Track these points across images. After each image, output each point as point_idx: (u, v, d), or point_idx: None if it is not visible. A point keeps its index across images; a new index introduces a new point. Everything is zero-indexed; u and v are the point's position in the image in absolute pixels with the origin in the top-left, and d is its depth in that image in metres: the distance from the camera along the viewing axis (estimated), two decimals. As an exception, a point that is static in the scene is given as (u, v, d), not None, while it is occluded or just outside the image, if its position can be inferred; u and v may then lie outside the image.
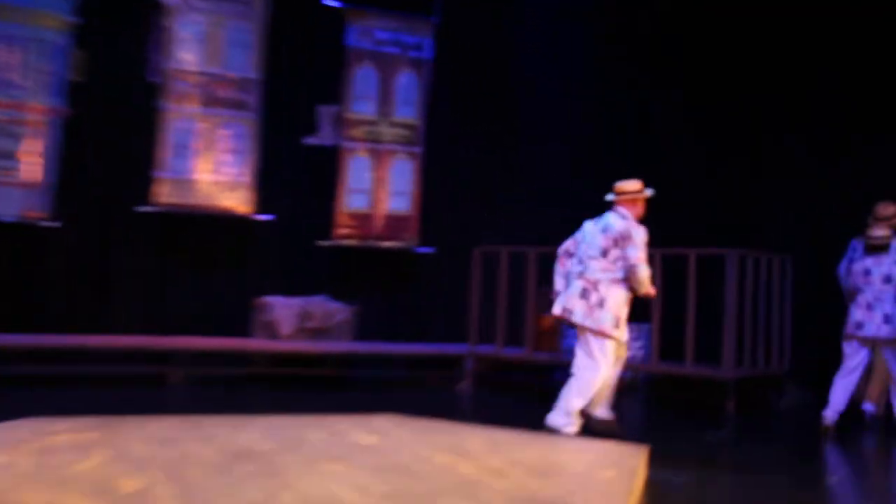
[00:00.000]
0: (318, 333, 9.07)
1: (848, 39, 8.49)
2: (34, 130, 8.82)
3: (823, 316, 7.53)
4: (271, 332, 9.04)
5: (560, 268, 5.84)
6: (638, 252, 5.46)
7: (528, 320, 8.32)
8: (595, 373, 5.44)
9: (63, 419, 4.75)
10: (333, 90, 9.92)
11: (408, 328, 9.77)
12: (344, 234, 9.82)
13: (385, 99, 10.11)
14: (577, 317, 5.48)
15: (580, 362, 5.51)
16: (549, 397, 5.73)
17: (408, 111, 10.16)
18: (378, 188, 9.98)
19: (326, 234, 9.78)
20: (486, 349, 8.54)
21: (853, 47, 8.48)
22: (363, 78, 10.05)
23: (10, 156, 8.70)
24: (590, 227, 5.75)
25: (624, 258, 5.47)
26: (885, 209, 6.34)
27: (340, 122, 9.90)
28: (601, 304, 5.45)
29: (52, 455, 3.78)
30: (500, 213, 10.19)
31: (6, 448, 3.91)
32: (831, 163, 8.56)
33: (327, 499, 3.24)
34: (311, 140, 9.83)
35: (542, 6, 10.47)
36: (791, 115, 8.89)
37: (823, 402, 6.39)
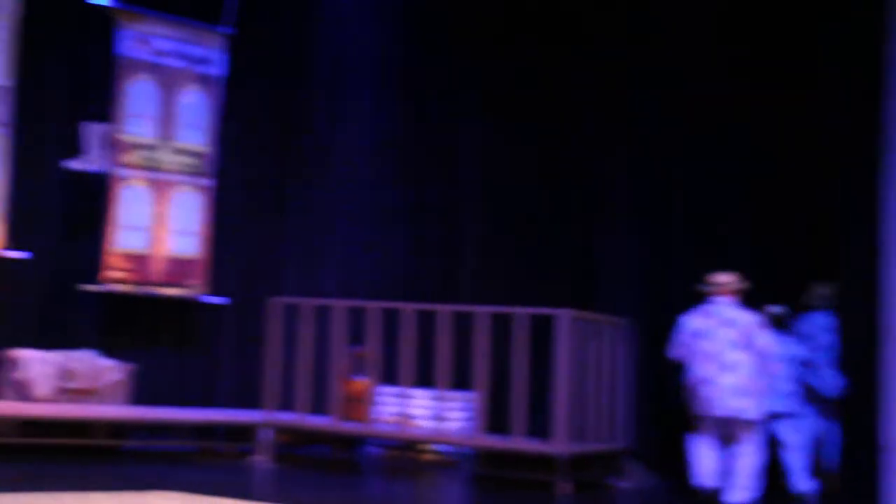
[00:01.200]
0: (84, 395, 8.96)
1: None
2: None
3: (669, 386, 8.05)
4: (22, 392, 8.82)
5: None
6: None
7: (334, 384, 8.62)
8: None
9: None
10: (103, 106, 9.77)
11: (194, 391, 9.79)
12: (116, 277, 9.65)
13: (167, 120, 10.05)
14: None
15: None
16: (357, 472, 6.10)
17: (195, 136, 10.14)
18: (158, 225, 9.86)
19: (94, 277, 9.60)
20: (285, 417, 8.71)
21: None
22: (140, 93, 9.94)
23: None
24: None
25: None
26: (718, 278, 7.27)
27: (111, 145, 9.78)
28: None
29: None
30: (302, 259, 10.49)
31: None
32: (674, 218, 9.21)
33: None
34: (74, 164, 9.65)
35: (345, 15, 10.95)
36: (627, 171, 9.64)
37: (668, 481, 7.11)
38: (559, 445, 7.62)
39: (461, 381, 8.52)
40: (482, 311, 8.12)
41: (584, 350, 8.05)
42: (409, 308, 8.37)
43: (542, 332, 7.91)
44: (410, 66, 10.84)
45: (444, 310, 8.26)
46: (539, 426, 8.00)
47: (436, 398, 8.55)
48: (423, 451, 9.49)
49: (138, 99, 9.96)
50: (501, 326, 8.05)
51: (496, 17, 10.34)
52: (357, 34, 10.97)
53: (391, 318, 8.51)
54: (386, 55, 10.94)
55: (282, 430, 8.78)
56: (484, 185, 10.32)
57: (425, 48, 10.78)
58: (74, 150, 9.70)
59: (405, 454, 9.54)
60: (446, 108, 10.73)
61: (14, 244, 9.22)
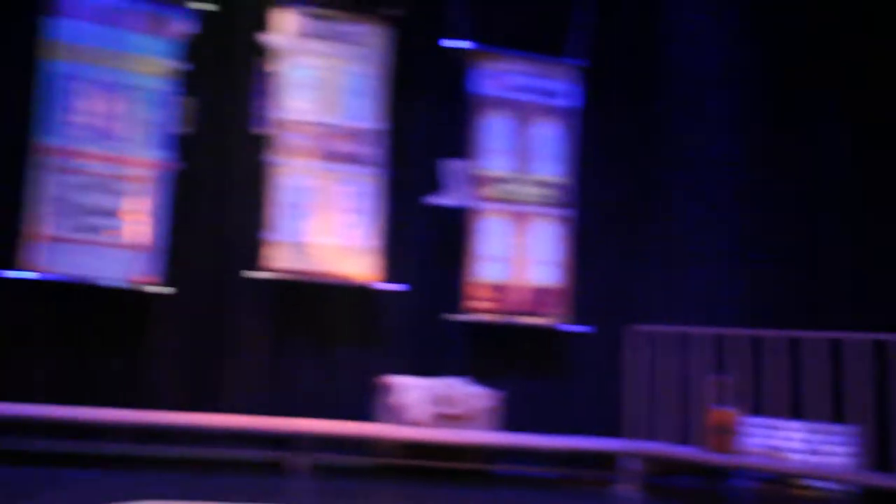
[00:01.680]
0: (457, 421, 9.75)
1: None
2: (138, 187, 9.81)
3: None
4: (398, 416, 9.73)
5: None
6: None
7: (698, 413, 8.98)
8: None
9: (179, 503, 5.38)
10: (463, 143, 10.79)
11: (557, 418, 10.39)
12: (480, 307, 10.62)
13: (522, 153, 10.94)
14: None
15: None
16: None
17: (550, 167, 10.97)
18: (518, 255, 10.77)
19: (459, 306, 10.60)
20: (649, 446, 9.13)
21: None
22: (495, 129, 10.90)
23: (112, 214, 9.68)
24: None
25: None
26: None
27: (471, 180, 10.75)
28: None
29: None
30: (662, 286, 10.97)
31: None
32: None
33: None
34: (437, 200, 10.67)
35: (703, 43, 11.41)
36: None
37: None
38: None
39: (837, 413, 8.60)
40: (856, 339, 8.18)
41: None
42: (774, 335, 8.58)
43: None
44: (767, 72, 11.14)
45: (813, 337, 8.39)
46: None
47: (810, 430, 8.72)
48: (797, 486, 9.57)
49: (494, 134, 10.92)
50: (880, 354, 8.13)
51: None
52: (708, 48, 11.41)
53: (757, 346, 8.77)
54: (740, 65, 11.30)
55: (647, 459, 9.16)
56: (848, 200, 10.38)
57: (781, 53, 11.08)
58: (437, 187, 10.72)
59: (776, 488, 9.64)
60: (806, 114, 10.96)
61: (387, 277, 10.39)
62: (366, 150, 10.51)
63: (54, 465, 8.09)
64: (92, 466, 8.19)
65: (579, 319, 10.85)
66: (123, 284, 9.62)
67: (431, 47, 10.89)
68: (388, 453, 9.53)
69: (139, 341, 9.85)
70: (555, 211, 10.96)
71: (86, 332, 9.68)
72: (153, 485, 7.14)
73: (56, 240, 9.50)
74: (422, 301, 10.63)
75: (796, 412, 8.82)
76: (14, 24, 9.69)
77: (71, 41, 9.71)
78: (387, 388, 9.98)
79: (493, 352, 10.70)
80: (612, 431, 9.82)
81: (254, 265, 10.11)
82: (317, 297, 10.36)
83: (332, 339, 10.40)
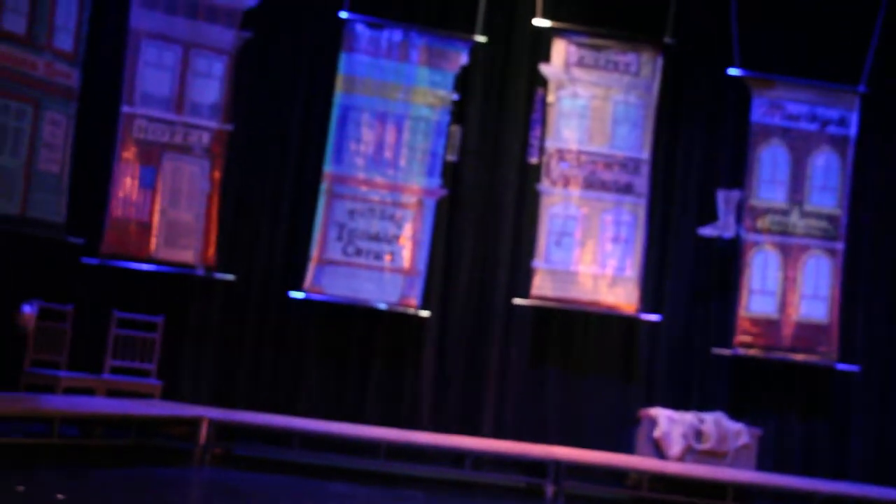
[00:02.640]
0: (712, 457, 9.58)
1: None
2: (409, 213, 10.49)
3: None
4: (657, 450, 9.82)
5: None
6: None
7: None
8: None
9: None
10: (735, 173, 10.76)
11: (822, 461, 10.21)
12: (745, 341, 10.55)
13: (797, 184, 10.77)
14: None
15: None
16: None
17: (826, 199, 10.73)
18: (788, 290, 10.60)
19: (724, 340, 10.55)
20: None
21: None
22: (771, 159, 10.78)
23: (389, 240, 10.40)
24: None
25: None
26: None
27: (743, 211, 10.72)
28: None
29: None
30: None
31: None
32: None
33: None
34: (707, 231, 10.71)
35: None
36: None
37: None
38: None
39: None
40: None
41: None
42: None
43: None
44: None
45: None
46: None
47: None
48: None
49: (769, 164, 10.82)
50: None
51: None
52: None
53: None
54: None
55: None
56: None
57: None
58: (706, 217, 10.73)
59: None
60: None
61: (649, 308, 10.53)
62: (634, 179, 10.68)
63: (316, 477, 8.67)
64: (351, 481, 8.72)
65: (848, 358, 10.56)
66: (394, 307, 10.27)
67: (705, 75, 10.99)
68: (643, 486, 9.59)
69: (403, 362, 10.54)
70: (827, 244, 10.71)
71: (354, 351, 10.48)
72: (408, 502, 7.57)
73: (336, 263, 10.30)
74: (683, 333, 10.73)
75: None
76: (316, 59, 10.67)
77: (360, 75, 10.53)
78: (647, 420, 10.09)
79: (758, 388, 10.62)
80: (885, 478, 9.56)
81: (516, 292, 10.53)
82: (576, 325, 10.70)
83: (589, 367, 10.68)
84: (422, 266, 10.37)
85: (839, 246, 10.69)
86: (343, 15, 10.42)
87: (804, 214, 10.75)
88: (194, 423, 8.61)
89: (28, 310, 8.81)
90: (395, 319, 10.39)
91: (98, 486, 6.92)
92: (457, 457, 9.82)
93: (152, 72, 10.08)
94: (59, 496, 5.99)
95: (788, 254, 10.72)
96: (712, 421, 9.96)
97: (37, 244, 9.21)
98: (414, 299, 10.30)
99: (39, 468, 7.30)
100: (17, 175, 9.03)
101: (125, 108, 9.95)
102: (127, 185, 9.88)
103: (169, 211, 10.04)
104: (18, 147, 9.03)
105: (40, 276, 9.36)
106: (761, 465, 9.92)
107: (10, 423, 8.38)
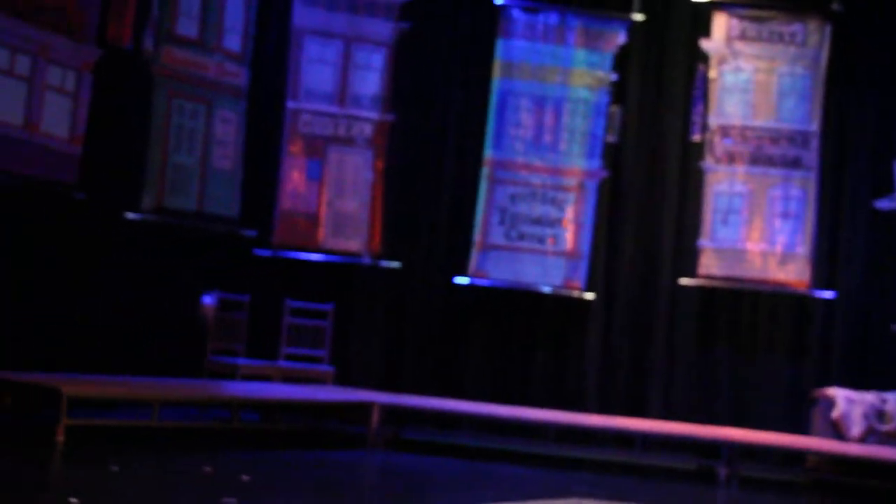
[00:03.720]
0: (893, 438, 9.30)
1: None
2: (571, 196, 10.72)
3: None
4: (836, 431, 9.63)
5: None
6: None
7: None
8: None
9: (605, 503, 5.78)
10: None
11: None
12: (925, 316, 10.46)
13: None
14: None
15: None
16: None
17: None
18: (973, 262, 10.46)
19: None
20: None
21: None
22: (949, 125, 10.61)
23: (551, 223, 10.66)
24: None
25: None
26: None
27: (919, 180, 10.57)
28: None
29: None
30: None
31: None
32: None
33: None
34: (883, 203, 10.59)
35: None
36: None
37: None
38: None
39: None
40: None
41: None
42: None
43: None
44: None
45: None
46: None
47: None
48: None
49: (949, 130, 10.59)
50: None
51: None
52: None
53: None
54: None
55: None
56: None
57: None
58: (882, 189, 10.59)
59: None
60: None
61: (822, 284, 10.50)
62: (802, 153, 10.65)
63: (484, 460, 8.70)
64: (520, 464, 8.92)
65: None
66: (558, 290, 10.55)
67: (877, 41, 10.78)
68: (820, 469, 9.55)
69: (568, 344, 10.81)
70: None
71: (518, 335, 10.79)
72: (577, 484, 7.60)
73: (500, 248, 10.61)
74: (860, 310, 10.61)
75: None
76: (472, 46, 10.98)
77: (517, 59, 10.83)
78: (824, 400, 9.98)
79: None
80: None
81: (682, 272, 10.67)
82: (745, 304, 10.74)
83: (760, 347, 10.71)
84: (585, 248, 10.60)
85: None
86: (498, 1, 10.72)
87: None
88: (365, 407, 8.95)
89: (208, 301, 9.33)
90: (559, 302, 10.65)
91: (278, 469, 7.23)
92: (625, 439, 10.09)
93: (315, 67, 10.55)
94: (244, 477, 6.35)
95: None
96: (894, 401, 9.77)
97: (213, 238, 9.78)
98: (578, 282, 10.55)
99: (223, 451, 7.73)
100: (194, 173, 9.60)
101: (290, 104, 10.45)
102: (295, 178, 10.35)
103: (335, 202, 10.49)
104: (193, 146, 9.61)
105: (217, 268, 9.87)
106: None
107: (195, 409, 8.98)
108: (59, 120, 8.23)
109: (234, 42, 9.91)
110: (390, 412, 9.13)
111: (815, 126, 10.61)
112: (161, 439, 7.93)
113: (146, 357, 8.77)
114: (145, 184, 9.20)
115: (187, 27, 9.50)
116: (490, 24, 10.71)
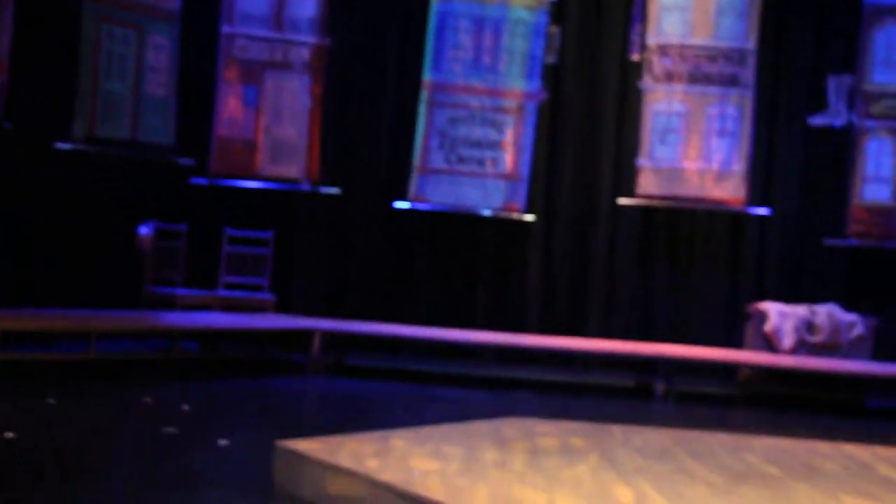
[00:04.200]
0: (825, 349, 9.60)
1: None
2: (510, 118, 10.84)
3: None
4: (768, 344, 9.92)
5: None
6: None
7: None
8: None
9: (548, 422, 5.75)
10: (846, 58, 10.78)
11: None
12: (859, 231, 10.65)
13: (915, 65, 10.75)
14: None
15: None
16: None
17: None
18: (903, 176, 10.72)
19: (836, 231, 10.68)
20: None
21: None
22: (885, 40, 10.65)
23: (490, 145, 10.78)
24: None
25: None
26: None
27: (855, 96, 10.77)
28: None
29: (543, 457, 4.50)
30: None
31: (498, 445, 4.71)
32: None
33: None
34: (817, 119, 10.82)
35: None
36: None
37: None
38: None
39: None
40: None
41: None
42: None
43: None
44: None
45: None
46: None
47: None
48: None
49: (884, 46, 10.71)
50: None
51: None
52: None
53: None
54: None
55: None
56: None
57: None
58: (816, 105, 10.84)
59: None
60: None
61: (757, 201, 10.76)
62: (739, 70, 10.81)
63: (427, 384, 8.82)
64: (462, 386, 8.85)
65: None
66: (498, 213, 10.72)
67: None
68: (753, 381, 9.81)
69: (509, 267, 11.02)
70: (946, 128, 10.73)
71: (460, 258, 10.96)
72: (519, 404, 7.82)
73: (439, 171, 10.73)
74: (794, 225, 10.90)
75: None
76: None
77: None
78: (757, 315, 10.21)
79: (870, 278, 10.70)
80: None
81: (621, 192, 10.89)
82: (683, 222, 10.99)
83: (697, 265, 10.98)
84: (525, 171, 10.74)
85: (961, 129, 10.67)
86: (436, -81, 10.66)
87: None
88: (307, 334, 9.04)
89: (144, 231, 9.38)
90: (500, 225, 10.83)
91: (218, 398, 7.40)
92: (566, 358, 10.37)
93: None
94: (185, 407, 6.49)
95: None
96: (825, 313, 10.01)
97: (148, 167, 9.78)
98: (518, 204, 10.71)
99: (163, 382, 7.80)
100: (126, 99, 9.59)
101: (225, 28, 10.44)
102: (231, 104, 10.39)
103: (273, 128, 10.54)
104: (125, 72, 9.57)
105: (153, 198, 9.87)
106: (877, 356, 9.99)
107: (134, 340, 9.04)
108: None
109: (164, -38, 9.83)
110: (332, 339, 9.21)
111: (751, 44, 10.76)
112: (99, 371, 7.99)
113: (83, 289, 8.80)
114: (75, 112, 9.15)
115: (117, -55, 9.41)
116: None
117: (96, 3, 9.25)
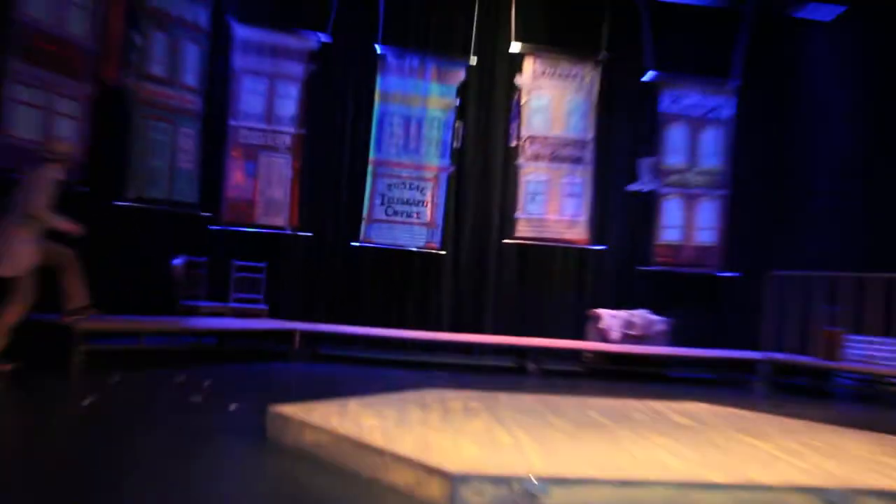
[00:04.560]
0: (640, 340, 9.82)
1: None
2: (429, 184, 10.98)
3: None
4: (602, 337, 10.26)
5: None
6: None
7: (815, 333, 9.01)
8: None
9: (455, 391, 5.74)
10: (651, 146, 11.12)
11: (713, 338, 10.58)
12: (660, 261, 11.05)
13: (693, 151, 11.17)
14: None
15: None
16: (831, 397, 6.40)
17: (712, 161, 11.15)
18: (688, 224, 11.07)
19: (646, 261, 11.02)
20: (777, 356, 9.18)
21: None
22: (675, 135, 11.18)
23: (416, 203, 10.91)
24: None
25: None
26: None
27: (657, 172, 11.14)
28: None
29: (451, 415, 4.50)
30: (791, 244, 10.90)
31: (421, 408, 4.69)
32: None
33: (655, 462, 3.49)
34: (633, 187, 11.14)
35: (827, 68, 11.21)
36: None
37: None
38: None
39: None
40: None
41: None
42: (871, 276, 8.54)
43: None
44: (876, 92, 10.83)
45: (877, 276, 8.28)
46: None
47: (894, 345, 8.56)
48: (883, 384, 9.28)
49: (673, 139, 11.15)
50: None
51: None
52: (829, 79, 11.21)
53: (859, 284, 8.68)
54: (850, 94, 11.02)
55: (776, 364, 9.23)
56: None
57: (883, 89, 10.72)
58: (632, 177, 11.14)
59: (871, 386, 9.38)
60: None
61: (595, 241, 11.01)
62: (583, 153, 11.06)
63: (373, 367, 8.72)
64: (396, 368, 8.71)
65: (730, 268, 11.01)
66: (422, 249, 10.79)
67: (628, 79, 11.22)
68: (594, 361, 10.03)
69: (429, 285, 11.03)
70: (714, 192, 11.11)
71: (396, 280, 10.97)
72: (435, 380, 7.70)
73: (381, 221, 10.79)
74: (619, 257, 11.11)
75: (888, 332, 8.59)
76: (361, 81, 11.00)
77: (391, 90, 10.89)
78: (595, 317, 10.49)
79: (669, 291, 10.96)
80: (753, 346, 9.83)
81: (505, 235, 11.02)
82: (546, 256, 11.11)
83: (556, 284, 11.13)
84: (439, 220, 10.80)
85: (721, 193, 11.09)
86: (379, 49, 10.75)
87: (698, 172, 11.08)
88: (290, 333, 9.04)
89: (177, 262, 9.31)
90: (423, 257, 10.84)
91: (229, 376, 7.27)
92: (468, 348, 10.42)
93: (249, 96, 10.45)
94: (206, 383, 6.46)
95: (688, 200, 11.09)
96: (639, 315, 10.23)
97: (180, 218, 9.68)
98: (435, 243, 10.78)
99: (191, 366, 7.69)
100: (164, 172, 9.55)
101: (232, 122, 10.36)
102: (237, 175, 10.33)
103: (265, 191, 10.44)
104: (163, 153, 9.54)
105: (184, 239, 9.78)
106: (673, 343, 10.32)
107: (172, 337, 9.00)
108: (69, 137, 8.13)
109: (191, 79, 9.82)
110: (308, 336, 9.18)
111: (590, 135, 11.02)
112: (146, 359, 7.98)
113: (136, 302, 8.70)
114: (129, 180, 9.09)
115: (157, 68, 9.41)
116: (373, 66, 10.73)
117: (143, 105, 9.21)
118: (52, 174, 6.45)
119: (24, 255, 6.24)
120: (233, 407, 5.43)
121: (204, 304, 9.52)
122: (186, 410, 5.33)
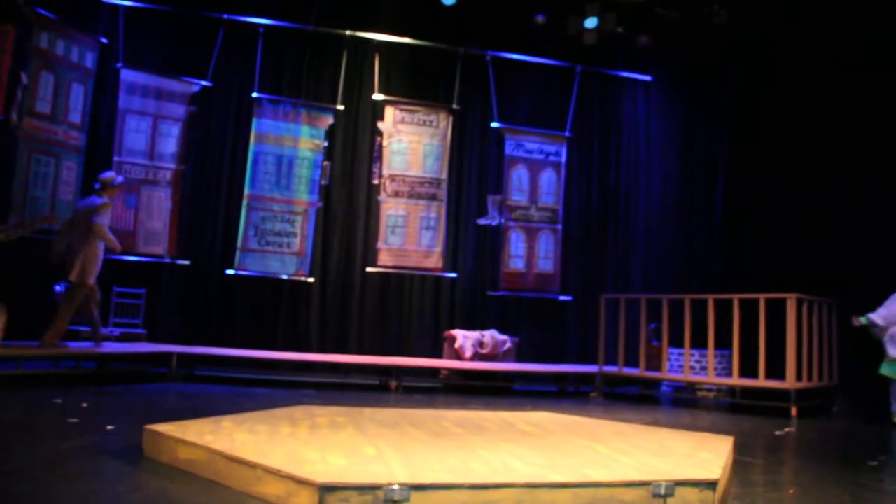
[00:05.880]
0: (490, 357, 9.85)
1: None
2: (299, 217, 10.83)
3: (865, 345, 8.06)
4: (457, 355, 10.33)
5: None
6: None
7: (641, 347, 9.34)
8: None
9: (322, 408, 5.69)
10: (497, 184, 11.40)
11: (553, 354, 10.90)
12: (507, 287, 11.31)
13: (534, 191, 11.55)
14: None
15: None
16: (657, 403, 6.68)
17: (550, 199, 11.54)
18: (530, 254, 11.39)
19: (494, 286, 11.22)
20: (610, 369, 9.49)
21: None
22: (518, 176, 11.53)
23: (287, 234, 10.73)
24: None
25: None
26: None
27: (503, 208, 11.44)
28: None
29: (318, 429, 4.38)
30: (620, 271, 11.50)
31: (291, 423, 4.59)
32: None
33: (504, 466, 3.53)
34: (482, 221, 11.39)
35: (645, 121, 11.88)
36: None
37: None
38: (790, 383, 7.93)
39: (723, 343, 8.91)
40: (733, 297, 8.37)
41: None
42: (690, 296, 8.91)
43: (778, 310, 8.13)
44: (685, 142, 11.62)
45: (706, 297, 8.65)
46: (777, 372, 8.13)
47: (704, 356, 9.07)
48: (700, 390, 9.72)
49: (517, 179, 11.49)
50: (748, 307, 8.33)
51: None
52: (651, 130, 11.89)
53: (676, 305, 9.08)
54: (672, 138, 11.75)
55: (608, 377, 9.57)
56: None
57: (692, 136, 11.50)
58: (482, 212, 11.39)
59: (687, 392, 9.77)
60: (710, 162, 11.40)
61: (449, 269, 11.11)
62: (437, 191, 11.19)
63: (246, 386, 8.43)
64: (268, 387, 8.83)
65: (568, 292, 11.37)
66: (292, 277, 10.58)
67: (478, 126, 11.52)
68: (449, 377, 10.05)
69: (299, 310, 10.81)
70: (551, 226, 11.50)
71: (267, 305, 10.71)
72: (304, 398, 7.61)
73: (254, 250, 10.54)
74: (470, 283, 11.25)
75: (699, 344, 9.01)
76: (237, 123, 10.81)
77: (265, 131, 10.70)
78: (450, 337, 10.57)
79: (513, 313, 11.24)
80: (589, 361, 10.23)
81: (368, 263, 10.95)
82: (405, 282, 11.14)
83: (415, 308, 11.14)
84: (308, 250, 10.64)
85: (559, 227, 11.47)
86: (255, 94, 10.59)
87: (538, 209, 11.40)
88: (168, 356, 8.75)
89: (59, 288, 8.80)
90: (293, 284, 10.65)
91: (107, 398, 6.94)
92: (334, 367, 10.20)
93: (133, 135, 10.05)
94: (84, 405, 6.14)
95: (530, 233, 11.40)
96: (489, 335, 10.14)
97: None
98: (304, 271, 10.60)
99: (70, 388, 7.32)
100: (46, 202, 9.04)
101: (116, 157, 9.97)
102: (118, 207, 9.88)
103: (146, 222, 10.08)
104: (46, 184, 9.04)
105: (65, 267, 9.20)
106: (519, 360, 10.41)
107: (51, 361, 8.32)
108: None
109: (75, 117, 9.40)
110: (185, 358, 8.92)
111: (444, 175, 11.18)
112: (26, 382, 7.50)
113: (17, 328, 8.12)
114: (10, 209, 8.55)
115: (42, 106, 8.96)
116: (249, 109, 10.57)
117: (28, 140, 8.73)
118: None
119: None
120: (110, 427, 5.17)
121: (84, 329, 9.00)
122: (63, 431, 5.04)
